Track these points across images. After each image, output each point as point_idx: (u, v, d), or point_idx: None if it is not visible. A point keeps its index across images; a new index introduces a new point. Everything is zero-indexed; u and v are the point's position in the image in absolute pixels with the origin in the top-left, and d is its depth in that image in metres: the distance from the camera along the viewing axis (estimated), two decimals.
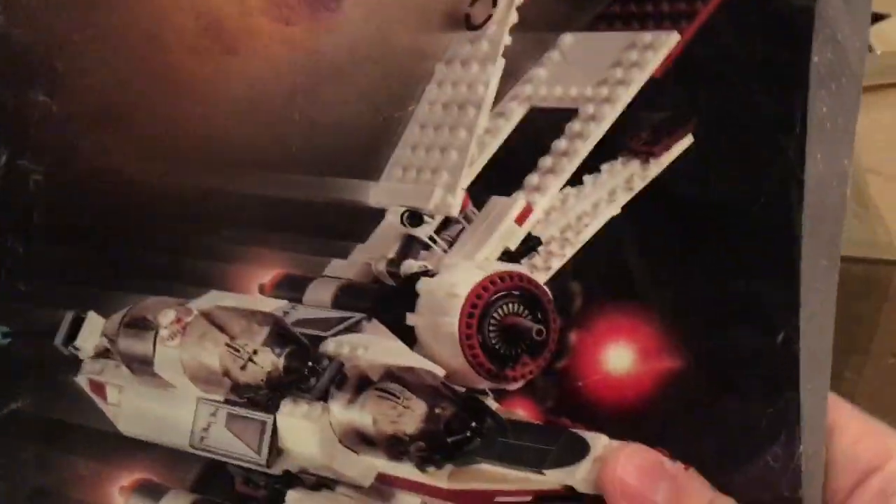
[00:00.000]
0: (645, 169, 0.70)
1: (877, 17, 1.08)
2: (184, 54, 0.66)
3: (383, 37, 0.69)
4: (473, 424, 0.62)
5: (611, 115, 0.69)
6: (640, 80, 0.69)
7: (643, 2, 0.69)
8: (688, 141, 0.69)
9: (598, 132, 0.69)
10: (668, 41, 0.69)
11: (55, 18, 0.64)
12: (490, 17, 0.69)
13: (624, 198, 0.70)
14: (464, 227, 0.69)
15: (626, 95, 0.69)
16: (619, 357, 0.69)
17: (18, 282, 0.69)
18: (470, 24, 0.69)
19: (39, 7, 0.64)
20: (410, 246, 0.69)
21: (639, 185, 0.70)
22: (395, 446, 0.62)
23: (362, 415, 0.63)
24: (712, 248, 0.70)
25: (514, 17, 0.69)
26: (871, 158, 1.00)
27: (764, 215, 0.69)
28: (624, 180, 0.70)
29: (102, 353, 0.71)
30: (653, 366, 0.69)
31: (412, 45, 0.70)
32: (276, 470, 0.65)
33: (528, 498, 0.61)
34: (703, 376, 0.68)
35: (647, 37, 0.69)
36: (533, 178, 0.70)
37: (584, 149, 0.69)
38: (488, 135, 0.70)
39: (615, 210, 0.70)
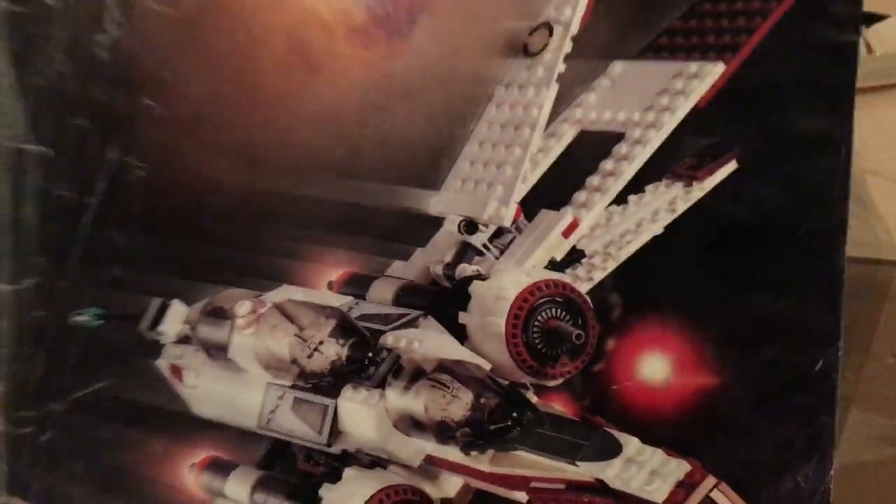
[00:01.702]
0: (688, 192, 0.75)
1: (876, 18, 1.06)
2: (273, 72, 0.76)
3: (449, 62, 0.76)
4: (514, 415, 0.66)
5: (656, 139, 0.74)
6: (685, 107, 0.74)
7: (690, 34, 0.75)
8: (732, 166, 0.74)
9: (643, 155, 0.74)
10: (713, 71, 0.73)
11: (165, 35, 0.75)
12: (546, 45, 0.75)
13: (666, 218, 0.75)
14: (515, 237, 0.74)
15: (672, 121, 0.74)
16: (654, 367, 0.73)
17: (115, 269, 0.73)
18: (528, 52, 0.76)
19: (152, 23, 0.74)
20: (465, 252, 0.75)
21: (682, 206, 0.75)
22: (443, 431, 0.66)
23: (415, 402, 0.67)
24: (756, 269, 0.73)
25: (568, 47, 0.75)
26: (871, 159, 0.98)
27: (810, 240, 0.72)
28: (667, 202, 0.75)
29: (183, 340, 0.74)
30: (688, 379, 0.72)
31: (475, 69, 0.77)
32: (335, 449, 0.70)
33: (562, 486, 0.64)
34: (738, 394, 0.71)
35: (692, 67, 0.74)
36: (581, 196, 0.75)
37: (630, 170, 0.74)
38: (541, 154, 0.76)
39: (657, 230, 0.75)
